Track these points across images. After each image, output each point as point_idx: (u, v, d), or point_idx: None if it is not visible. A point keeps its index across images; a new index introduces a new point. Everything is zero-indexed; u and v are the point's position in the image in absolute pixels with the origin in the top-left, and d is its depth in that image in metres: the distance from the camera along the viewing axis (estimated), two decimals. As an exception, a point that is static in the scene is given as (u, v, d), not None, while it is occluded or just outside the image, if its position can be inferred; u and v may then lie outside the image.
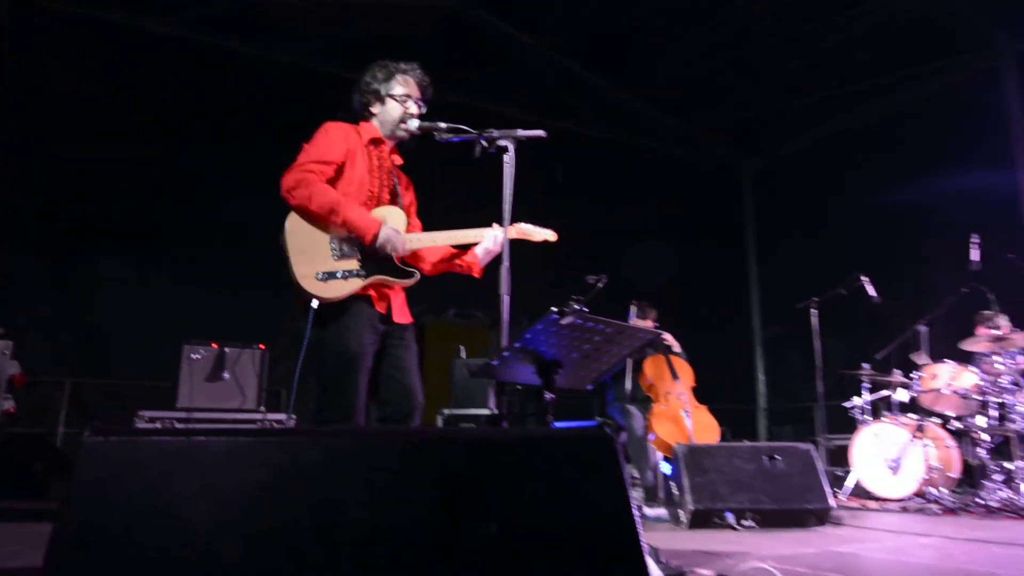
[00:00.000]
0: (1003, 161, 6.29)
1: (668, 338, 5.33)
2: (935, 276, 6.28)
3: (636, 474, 4.93)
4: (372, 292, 2.55)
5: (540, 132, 2.44)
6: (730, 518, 3.57)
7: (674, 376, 5.02)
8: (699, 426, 4.79)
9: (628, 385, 5.17)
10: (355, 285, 2.49)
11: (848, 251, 6.96)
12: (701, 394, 5.18)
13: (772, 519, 3.62)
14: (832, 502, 3.78)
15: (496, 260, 2.50)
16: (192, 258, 5.83)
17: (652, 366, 5.15)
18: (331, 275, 2.46)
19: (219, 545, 1.11)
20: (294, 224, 2.50)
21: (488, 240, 2.77)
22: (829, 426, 5.86)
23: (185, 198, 5.84)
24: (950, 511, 4.25)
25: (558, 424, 2.70)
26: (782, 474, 3.77)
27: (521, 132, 2.44)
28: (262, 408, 4.87)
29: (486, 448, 1.29)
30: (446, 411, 5.47)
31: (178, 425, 4.34)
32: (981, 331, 5.04)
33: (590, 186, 7.60)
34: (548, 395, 2.23)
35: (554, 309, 2.01)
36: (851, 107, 7.47)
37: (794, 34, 6.51)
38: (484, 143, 2.45)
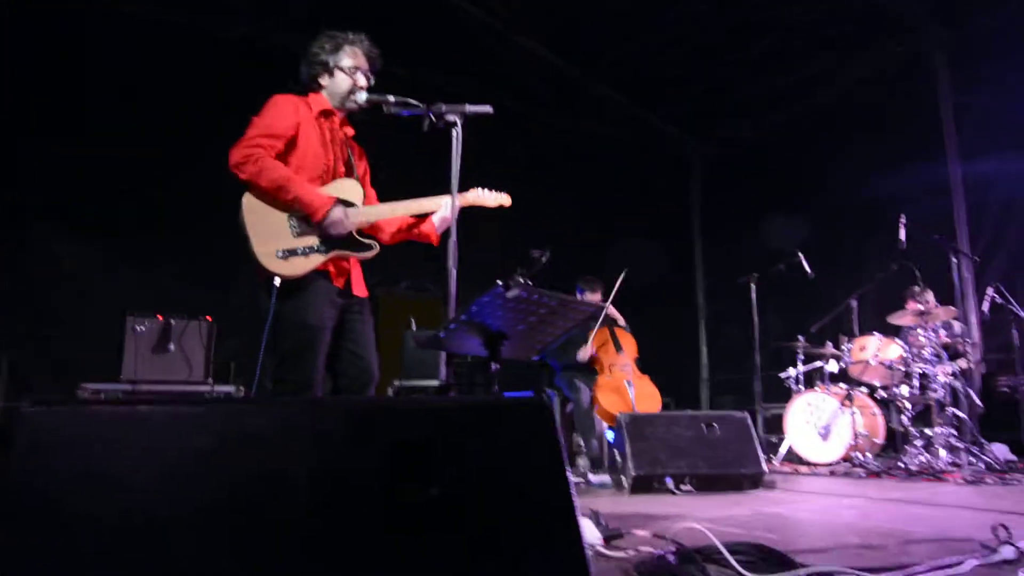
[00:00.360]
0: (934, 146, 6.57)
1: (612, 311, 5.44)
2: (866, 254, 6.57)
3: (583, 443, 5.07)
4: (331, 267, 2.55)
5: (487, 108, 2.46)
6: (669, 483, 3.71)
7: (618, 348, 5.15)
8: (642, 396, 4.92)
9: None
10: (316, 261, 2.48)
11: (787, 230, 7.18)
12: (648, 366, 5.31)
13: (709, 483, 3.78)
14: (765, 467, 3.96)
15: (446, 233, 2.52)
16: (136, 230, 5.63)
17: (597, 339, 5.27)
18: (292, 252, 2.45)
19: (163, 515, 1.09)
20: (252, 201, 2.46)
21: (445, 208, 2.78)
22: (766, 396, 6.10)
23: (130, 169, 5.62)
24: (874, 474, 4.49)
25: (506, 395, 2.76)
26: (719, 441, 3.92)
27: (469, 107, 2.45)
28: (210, 380, 4.81)
29: (431, 416, 1.32)
30: (397, 382, 5.50)
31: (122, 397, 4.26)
32: (911, 305, 5.27)
33: (539, 163, 7.60)
34: (494, 366, 2.29)
35: (500, 282, 2.05)
36: (794, 94, 7.62)
37: (743, 21, 6.61)
38: (432, 117, 2.45)
